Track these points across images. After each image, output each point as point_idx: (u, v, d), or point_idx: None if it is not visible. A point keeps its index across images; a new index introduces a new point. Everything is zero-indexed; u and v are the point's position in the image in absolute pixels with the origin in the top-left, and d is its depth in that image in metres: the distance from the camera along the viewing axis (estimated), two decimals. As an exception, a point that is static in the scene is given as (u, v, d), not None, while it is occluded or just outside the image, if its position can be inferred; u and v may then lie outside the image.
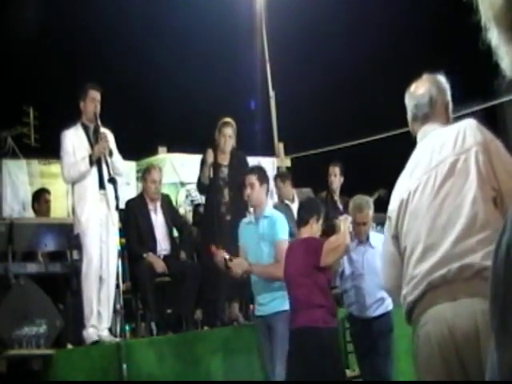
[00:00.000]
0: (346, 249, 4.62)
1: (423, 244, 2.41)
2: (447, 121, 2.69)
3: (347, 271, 5.20)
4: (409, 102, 2.74)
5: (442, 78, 2.79)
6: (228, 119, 6.27)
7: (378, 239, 4.95)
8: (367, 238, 5.24)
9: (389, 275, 2.66)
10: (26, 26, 10.91)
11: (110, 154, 5.51)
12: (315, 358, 4.31)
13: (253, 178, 4.95)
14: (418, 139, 2.67)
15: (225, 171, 6.19)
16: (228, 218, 6.06)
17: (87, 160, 5.44)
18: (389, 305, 5.07)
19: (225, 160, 6.22)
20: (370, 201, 5.32)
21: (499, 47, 1.17)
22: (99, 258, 5.41)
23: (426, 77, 2.79)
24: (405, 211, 2.51)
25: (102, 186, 5.50)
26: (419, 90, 2.73)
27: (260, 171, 5.16)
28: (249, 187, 4.92)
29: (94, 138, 5.58)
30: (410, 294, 2.43)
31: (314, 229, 4.70)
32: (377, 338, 5.03)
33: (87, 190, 5.47)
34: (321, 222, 4.72)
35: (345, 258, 5.06)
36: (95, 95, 5.61)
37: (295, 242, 4.82)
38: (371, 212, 5.21)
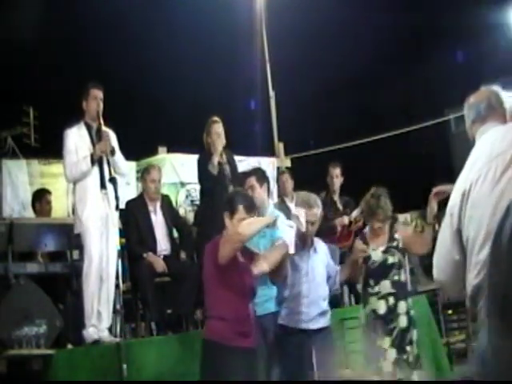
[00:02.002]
0: (242, 239, 3.88)
1: (485, 230, 2.46)
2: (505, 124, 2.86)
3: (288, 279, 4.58)
4: (468, 109, 2.96)
5: (498, 88, 2.99)
6: (215, 118, 6.28)
7: (322, 245, 4.84)
8: (312, 242, 4.76)
9: (445, 271, 2.73)
10: (26, 25, 10.91)
11: (112, 152, 5.51)
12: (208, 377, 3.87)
13: (253, 180, 4.95)
14: (477, 138, 2.84)
15: (227, 169, 6.20)
16: None
17: (89, 159, 5.44)
18: (329, 318, 4.74)
19: (223, 158, 6.24)
20: (318, 199, 4.89)
21: None
22: (99, 258, 5.41)
23: (484, 88, 3.00)
24: (467, 201, 2.59)
25: (103, 185, 5.50)
26: (478, 98, 2.95)
27: (259, 172, 5.16)
28: (250, 190, 4.91)
29: (96, 138, 5.58)
30: (474, 279, 2.48)
31: (228, 227, 4.07)
32: (318, 353, 4.52)
33: (88, 190, 5.47)
34: (237, 217, 4.02)
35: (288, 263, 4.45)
36: (97, 94, 5.61)
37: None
38: (320, 211, 4.79)
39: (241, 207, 4.02)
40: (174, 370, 5.26)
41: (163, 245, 6.07)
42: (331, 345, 4.66)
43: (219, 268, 3.87)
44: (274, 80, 11.70)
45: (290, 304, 4.60)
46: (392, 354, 4.76)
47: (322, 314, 4.64)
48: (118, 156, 5.61)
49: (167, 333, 5.74)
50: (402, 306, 4.88)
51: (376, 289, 4.92)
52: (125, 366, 4.89)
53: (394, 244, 4.99)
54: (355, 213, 7.00)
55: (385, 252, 4.95)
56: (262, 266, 4.10)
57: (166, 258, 5.99)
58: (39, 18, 11.53)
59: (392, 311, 4.87)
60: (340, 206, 7.38)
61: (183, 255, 6.23)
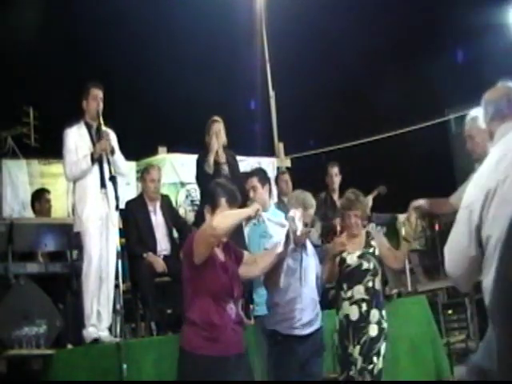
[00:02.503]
0: (217, 234, 3.48)
1: None
2: None
3: (281, 283, 4.26)
4: (486, 106, 2.93)
5: None
6: (216, 117, 6.31)
7: (310, 245, 4.68)
8: (305, 244, 4.53)
9: (459, 266, 2.72)
10: (26, 25, 10.91)
11: (112, 152, 5.52)
12: None
13: (254, 181, 4.96)
14: (497, 137, 2.83)
15: (225, 168, 6.22)
16: None
17: (89, 158, 5.45)
18: (320, 320, 4.56)
19: (221, 158, 6.26)
20: (312, 198, 4.72)
21: None
22: (99, 257, 5.41)
23: (501, 83, 2.98)
24: (491, 200, 2.58)
25: (103, 184, 5.51)
26: (496, 94, 2.93)
27: (260, 173, 5.17)
28: (251, 190, 4.93)
29: (96, 137, 5.59)
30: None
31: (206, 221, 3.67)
32: (309, 358, 4.43)
33: (88, 189, 5.47)
34: (219, 212, 3.62)
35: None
36: (97, 93, 5.62)
37: None
38: (313, 211, 4.70)
39: (223, 200, 3.63)
40: (173, 370, 5.25)
41: (163, 245, 6.08)
42: (322, 347, 4.54)
43: (194, 268, 3.50)
44: (273, 80, 11.70)
45: (283, 309, 4.37)
46: (359, 362, 4.70)
47: (315, 317, 4.50)
48: (118, 156, 5.62)
49: (167, 333, 5.74)
50: (375, 315, 4.80)
51: (349, 293, 4.84)
52: (125, 366, 4.89)
53: (371, 250, 4.94)
54: None
55: (360, 257, 4.89)
56: (252, 272, 3.90)
57: (165, 258, 5.99)
58: (39, 18, 11.53)
59: (364, 318, 4.79)
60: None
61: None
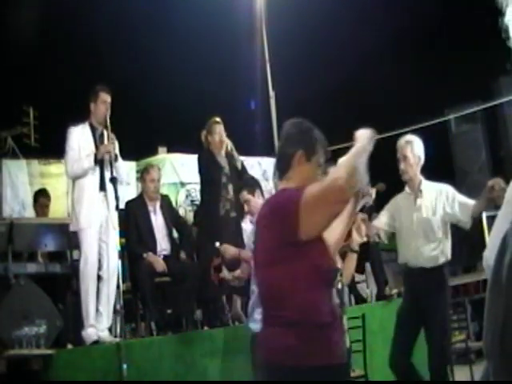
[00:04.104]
0: (351, 184, 2.39)
1: None
2: None
3: None
4: None
5: None
6: (217, 118, 6.34)
7: None
8: None
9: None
10: (26, 25, 10.91)
11: (116, 158, 5.51)
12: None
13: (245, 195, 4.97)
14: None
15: (226, 167, 6.25)
16: (233, 214, 6.12)
17: (92, 157, 5.46)
18: None
19: (222, 157, 6.28)
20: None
21: None
22: (97, 257, 5.41)
23: None
24: None
25: (102, 187, 5.51)
26: None
27: (248, 183, 5.18)
28: (245, 204, 4.96)
29: (99, 140, 5.59)
30: None
31: (303, 173, 2.65)
32: None
33: (87, 190, 5.48)
34: (314, 159, 2.68)
35: None
36: (106, 98, 5.62)
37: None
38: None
39: (319, 147, 2.72)
40: (174, 369, 5.27)
41: (163, 245, 6.08)
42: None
43: (295, 247, 2.44)
44: (273, 80, 11.70)
45: None
46: None
47: None
48: (120, 163, 5.64)
49: (167, 333, 5.74)
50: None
51: None
52: (125, 365, 4.89)
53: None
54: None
55: None
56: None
57: (165, 258, 6.00)
58: (39, 18, 11.53)
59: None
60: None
61: (183, 255, 6.24)
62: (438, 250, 4.89)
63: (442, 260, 4.92)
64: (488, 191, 4.53)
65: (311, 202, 2.40)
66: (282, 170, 2.68)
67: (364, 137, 2.60)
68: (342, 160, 2.53)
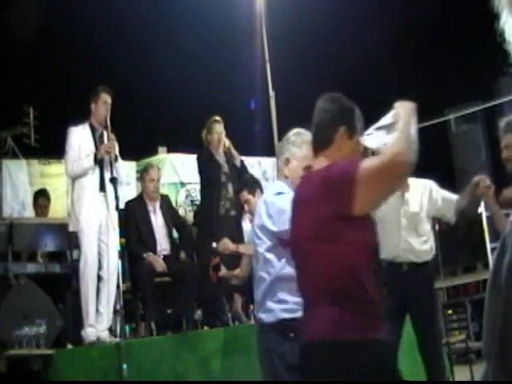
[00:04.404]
0: (412, 157, 2.29)
1: None
2: None
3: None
4: None
5: None
6: (217, 117, 6.36)
7: None
8: None
9: None
10: (26, 25, 10.91)
11: (116, 158, 5.52)
12: None
13: (245, 195, 4.98)
14: None
15: (225, 166, 6.27)
16: (233, 213, 6.14)
17: (92, 157, 5.47)
18: None
19: (221, 156, 6.31)
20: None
21: None
22: (97, 257, 5.41)
23: None
24: None
25: (102, 187, 5.51)
26: None
27: (247, 183, 5.18)
28: (246, 205, 4.97)
29: (99, 141, 5.60)
30: None
31: (343, 150, 2.56)
32: None
33: (86, 189, 5.48)
34: (355, 138, 2.58)
35: None
36: (107, 99, 5.63)
37: (302, 181, 2.66)
38: None
39: (359, 125, 2.65)
40: (174, 369, 5.27)
41: (163, 245, 6.08)
42: None
43: (348, 222, 2.34)
44: (273, 80, 11.70)
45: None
46: None
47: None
48: (120, 164, 5.64)
49: (167, 333, 5.74)
50: None
51: None
52: (125, 365, 4.89)
53: None
54: None
55: None
56: None
57: (165, 258, 6.00)
58: (39, 18, 11.53)
59: None
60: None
61: (183, 255, 6.24)
62: (428, 244, 4.84)
63: (431, 254, 4.87)
64: (473, 188, 4.48)
65: (369, 176, 2.29)
66: (320, 145, 2.58)
67: (407, 109, 2.49)
68: (393, 136, 2.41)
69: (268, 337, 3.36)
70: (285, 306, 3.27)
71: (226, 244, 4.87)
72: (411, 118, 2.40)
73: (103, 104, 5.61)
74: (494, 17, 1.24)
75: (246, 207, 4.96)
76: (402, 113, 2.42)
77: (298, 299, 2.97)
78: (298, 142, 3.51)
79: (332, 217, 2.35)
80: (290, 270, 3.15)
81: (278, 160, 3.57)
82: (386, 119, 2.56)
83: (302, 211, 2.50)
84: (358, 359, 2.28)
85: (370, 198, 2.34)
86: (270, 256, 3.35)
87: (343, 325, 2.31)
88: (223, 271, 4.94)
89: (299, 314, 2.98)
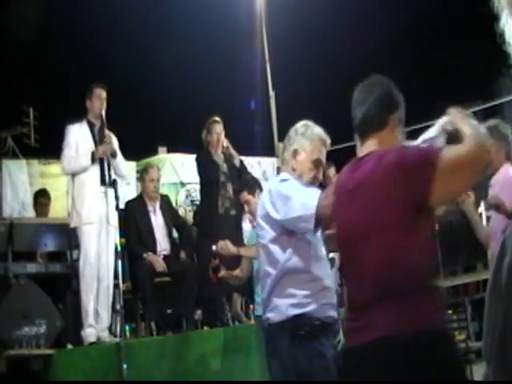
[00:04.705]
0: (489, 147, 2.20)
1: None
2: None
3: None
4: None
5: None
6: (217, 118, 6.39)
7: None
8: None
9: None
10: (26, 25, 10.91)
11: (114, 156, 5.55)
12: None
13: (245, 195, 4.98)
14: None
15: (224, 166, 6.29)
16: (233, 212, 6.14)
17: (89, 156, 5.48)
18: None
19: (220, 156, 6.32)
20: None
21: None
22: (96, 254, 5.41)
23: None
24: None
25: (102, 181, 5.53)
26: None
27: (248, 183, 5.19)
28: (246, 205, 4.96)
29: (98, 135, 5.62)
30: None
31: (394, 134, 2.42)
32: None
33: (87, 185, 5.49)
34: (402, 127, 2.48)
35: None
36: (100, 93, 5.66)
37: (352, 165, 2.48)
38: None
39: (404, 116, 2.51)
40: (174, 369, 5.27)
41: (163, 245, 6.08)
42: None
43: (422, 212, 2.20)
44: (273, 80, 11.70)
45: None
46: None
47: None
48: (119, 159, 5.65)
49: (167, 333, 5.74)
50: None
51: None
52: (125, 365, 4.89)
53: None
54: None
55: None
56: None
57: (165, 258, 6.00)
58: (39, 18, 11.53)
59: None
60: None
61: (183, 255, 6.24)
62: None
63: None
64: None
65: (452, 165, 2.14)
66: (373, 126, 2.41)
67: (459, 115, 2.33)
68: (466, 135, 2.23)
69: (277, 337, 3.11)
70: (293, 300, 3.05)
71: (227, 246, 4.84)
72: (470, 119, 2.27)
73: (97, 98, 5.65)
74: (494, 17, 1.23)
75: (246, 207, 4.96)
76: (458, 119, 2.29)
77: (307, 292, 3.02)
78: (308, 133, 3.33)
79: (405, 204, 2.18)
80: (296, 262, 3.06)
81: (283, 153, 3.35)
82: (430, 132, 2.46)
83: (360, 197, 2.29)
84: (453, 348, 2.22)
85: (448, 188, 2.18)
86: (274, 247, 3.11)
87: (432, 315, 2.16)
88: (223, 272, 4.93)
89: (309, 308, 3.02)
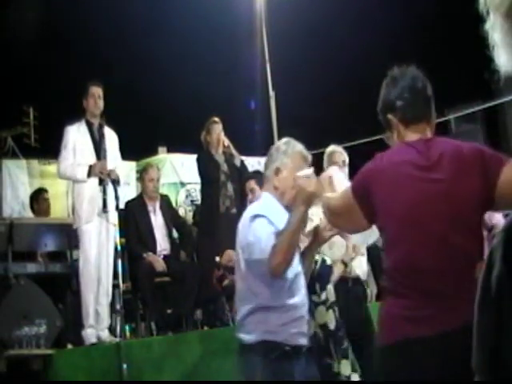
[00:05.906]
0: None
1: None
2: None
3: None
4: None
5: None
6: (216, 118, 6.43)
7: None
8: None
9: None
10: (26, 25, 10.91)
11: (118, 182, 5.44)
12: None
13: (252, 184, 4.99)
14: None
15: (224, 166, 6.32)
16: (234, 211, 6.15)
17: (86, 170, 5.43)
18: None
19: (220, 156, 6.34)
20: None
21: (499, 38, 1.16)
22: (96, 254, 5.41)
23: None
24: None
25: (101, 181, 5.53)
26: None
27: (257, 176, 5.20)
28: (250, 193, 4.97)
29: (98, 135, 5.61)
30: None
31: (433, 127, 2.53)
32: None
33: (88, 185, 5.48)
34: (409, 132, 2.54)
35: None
36: (95, 91, 5.66)
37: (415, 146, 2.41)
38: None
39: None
40: (174, 369, 5.27)
41: (163, 245, 6.08)
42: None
43: (491, 204, 2.19)
44: (273, 80, 11.71)
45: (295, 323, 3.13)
46: (355, 379, 3.82)
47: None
48: (118, 162, 5.66)
49: (167, 333, 5.74)
50: None
51: (323, 296, 3.89)
52: (125, 365, 4.89)
53: None
54: None
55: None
56: None
57: (165, 258, 6.00)
58: (39, 18, 11.54)
59: (341, 325, 3.91)
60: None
61: (183, 255, 6.24)
62: None
63: None
64: None
65: None
66: (425, 116, 2.53)
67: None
68: None
69: (249, 358, 3.11)
70: (267, 327, 3.06)
71: (230, 256, 4.84)
72: None
73: (92, 96, 5.64)
74: (479, 20, 1.22)
75: (251, 195, 4.95)
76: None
77: (282, 321, 3.04)
78: (289, 151, 3.33)
79: (481, 194, 2.17)
80: (271, 296, 3.06)
81: (265, 170, 3.36)
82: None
83: (443, 173, 2.26)
84: None
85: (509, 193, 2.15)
86: (250, 281, 3.11)
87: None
88: (227, 281, 4.92)
89: (281, 336, 3.04)
